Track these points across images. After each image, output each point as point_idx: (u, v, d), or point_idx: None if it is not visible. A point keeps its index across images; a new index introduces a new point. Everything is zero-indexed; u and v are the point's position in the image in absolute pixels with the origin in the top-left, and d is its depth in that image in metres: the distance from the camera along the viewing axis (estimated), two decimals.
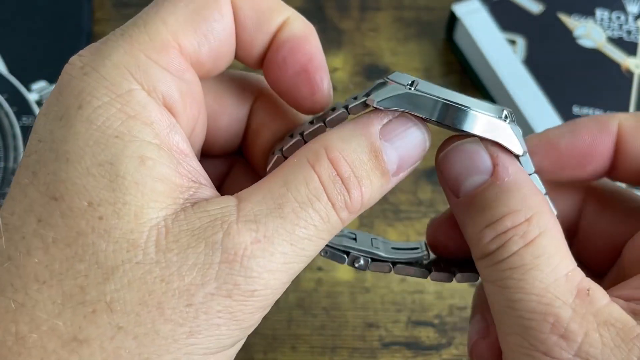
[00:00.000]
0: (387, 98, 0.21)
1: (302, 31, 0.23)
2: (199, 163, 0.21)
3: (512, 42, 0.45)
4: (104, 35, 0.21)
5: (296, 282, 0.40)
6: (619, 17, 0.47)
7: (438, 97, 0.21)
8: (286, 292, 0.41)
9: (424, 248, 0.27)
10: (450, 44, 0.48)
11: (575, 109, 0.43)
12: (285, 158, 0.22)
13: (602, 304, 0.20)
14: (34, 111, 0.41)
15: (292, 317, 0.39)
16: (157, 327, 0.19)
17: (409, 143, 0.22)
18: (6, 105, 0.40)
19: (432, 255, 0.26)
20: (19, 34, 0.45)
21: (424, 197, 0.43)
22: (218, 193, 0.21)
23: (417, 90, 0.21)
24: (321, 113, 0.24)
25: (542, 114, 0.43)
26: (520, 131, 0.22)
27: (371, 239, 0.26)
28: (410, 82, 0.22)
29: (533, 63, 0.44)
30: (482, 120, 0.21)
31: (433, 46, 0.49)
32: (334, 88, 0.47)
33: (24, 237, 0.19)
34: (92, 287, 0.19)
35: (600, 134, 0.24)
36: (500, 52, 0.45)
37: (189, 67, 0.21)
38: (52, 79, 0.43)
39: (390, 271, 0.25)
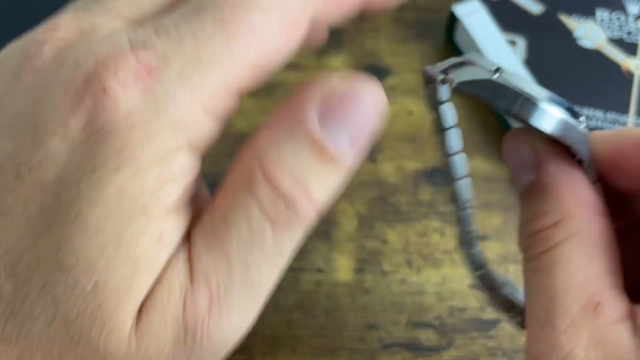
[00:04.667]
0: (468, 81, 0.20)
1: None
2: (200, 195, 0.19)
3: (512, 43, 0.45)
4: None
5: (296, 283, 0.40)
6: (619, 18, 0.47)
7: (520, 90, 0.20)
8: (286, 294, 0.41)
9: None
10: (451, 44, 0.48)
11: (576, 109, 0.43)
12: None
13: (605, 322, 0.19)
14: None
15: (292, 318, 0.39)
16: None
17: (359, 118, 0.18)
18: None
19: None
20: (18, 34, 0.45)
21: (424, 198, 0.43)
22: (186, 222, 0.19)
23: (502, 79, 0.20)
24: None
25: None
26: (591, 138, 0.22)
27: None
28: (495, 69, 0.21)
29: (533, 63, 0.44)
30: (557, 120, 0.21)
31: (433, 47, 0.49)
32: None
33: (27, 297, 0.17)
34: None
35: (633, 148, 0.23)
36: (500, 53, 0.45)
37: (237, 101, 0.19)
38: None
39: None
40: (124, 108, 0.17)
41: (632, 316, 0.20)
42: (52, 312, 0.17)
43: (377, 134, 0.19)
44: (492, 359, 0.39)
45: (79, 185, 0.17)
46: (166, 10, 0.19)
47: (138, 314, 0.17)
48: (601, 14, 0.47)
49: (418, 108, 0.46)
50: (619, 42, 0.46)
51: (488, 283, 0.24)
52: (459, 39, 0.47)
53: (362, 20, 0.50)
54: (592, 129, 0.43)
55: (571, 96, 0.43)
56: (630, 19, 0.47)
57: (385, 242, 0.42)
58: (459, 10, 0.46)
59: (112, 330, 0.17)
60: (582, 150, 0.21)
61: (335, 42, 0.48)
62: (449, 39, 0.48)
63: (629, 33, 0.46)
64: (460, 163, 0.22)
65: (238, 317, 0.18)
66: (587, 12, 0.47)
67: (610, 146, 0.22)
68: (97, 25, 0.19)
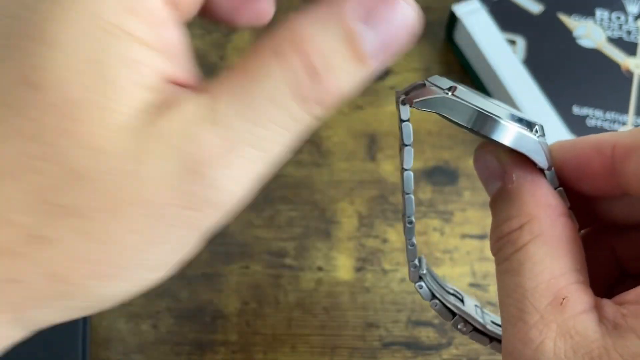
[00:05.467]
0: (424, 100, 0.22)
1: None
2: (188, 58, 0.20)
3: (512, 42, 0.45)
4: None
5: (296, 282, 0.40)
6: (618, 17, 0.47)
7: (473, 106, 0.22)
8: (286, 292, 0.41)
9: None
10: (450, 44, 0.48)
11: (576, 109, 0.43)
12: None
13: (571, 314, 0.20)
14: None
15: (292, 317, 0.39)
16: (122, 237, 0.18)
17: (393, 25, 0.19)
18: None
19: None
20: None
21: (424, 197, 0.43)
22: (196, 85, 0.19)
23: (455, 96, 0.22)
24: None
25: (542, 114, 0.43)
26: (548, 146, 0.23)
27: (474, 305, 0.27)
28: (449, 87, 0.22)
29: (533, 63, 0.45)
30: (511, 131, 0.22)
31: (433, 46, 0.49)
32: None
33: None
34: (59, 190, 0.17)
35: (594, 154, 0.24)
36: (500, 52, 0.45)
37: None
38: None
39: (487, 345, 0.26)
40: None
41: (596, 308, 0.21)
42: (21, 128, 0.17)
43: (403, 50, 0.19)
44: (492, 357, 0.39)
45: (40, 5, 0.17)
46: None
47: (135, 138, 0.17)
48: (601, 13, 0.47)
49: None
50: (618, 42, 0.46)
51: (429, 293, 0.26)
52: (459, 38, 0.47)
53: None
54: (592, 128, 0.43)
55: (571, 96, 0.44)
56: (630, 19, 0.47)
57: (385, 241, 0.42)
58: (459, 9, 0.46)
59: (92, 147, 0.17)
60: (539, 158, 0.23)
61: None
62: (448, 39, 0.48)
63: (629, 32, 0.46)
64: (410, 179, 0.24)
65: (241, 174, 0.18)
66: (587, 11, 0.47)
67: (571, 153, 0.24)
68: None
